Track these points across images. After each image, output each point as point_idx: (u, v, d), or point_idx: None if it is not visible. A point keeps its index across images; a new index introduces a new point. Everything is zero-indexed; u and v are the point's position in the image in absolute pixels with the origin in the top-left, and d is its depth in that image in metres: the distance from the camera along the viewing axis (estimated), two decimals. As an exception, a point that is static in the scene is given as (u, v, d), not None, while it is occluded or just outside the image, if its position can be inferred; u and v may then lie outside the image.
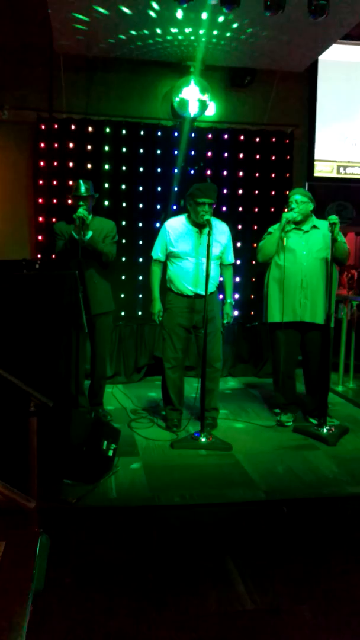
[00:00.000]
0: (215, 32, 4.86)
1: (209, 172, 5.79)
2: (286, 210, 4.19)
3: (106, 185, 5.58)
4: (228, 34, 4.88)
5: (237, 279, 5.71)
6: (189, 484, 3.23)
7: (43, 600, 2.05)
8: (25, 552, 1.82)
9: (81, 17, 4.61)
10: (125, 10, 4.48)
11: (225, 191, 5.80)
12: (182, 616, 2.07)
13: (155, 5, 4.41)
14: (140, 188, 5.69)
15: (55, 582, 2.18)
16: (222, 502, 3.05)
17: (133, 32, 4.92)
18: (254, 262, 5.87)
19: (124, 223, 5.58)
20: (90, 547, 2.54)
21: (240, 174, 5.89)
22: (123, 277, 5.67)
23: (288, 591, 2.23)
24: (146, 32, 4.91)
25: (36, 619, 1.94)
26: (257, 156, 5.91)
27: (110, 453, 3.32)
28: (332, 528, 2.82)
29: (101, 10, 4.48)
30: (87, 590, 2.20)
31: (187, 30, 4.85)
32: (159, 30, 4.88)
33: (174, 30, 4.85)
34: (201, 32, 4.83)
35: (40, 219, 5.54)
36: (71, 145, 5.53)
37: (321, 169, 6.34)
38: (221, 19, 4.58)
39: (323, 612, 2.11)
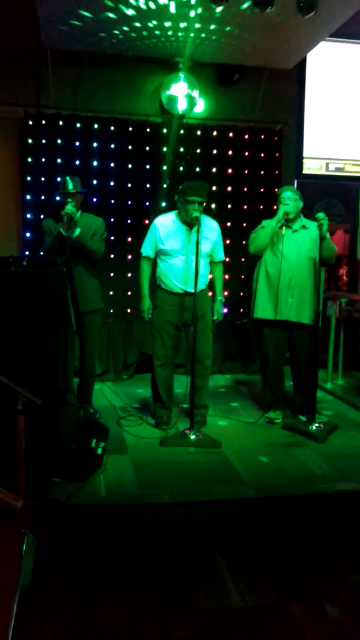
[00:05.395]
0: (198, 26, 4.80)
1: (197, 169, 5.78)
2: (276, 207, 4.21)
3: (95, 181, 5.55)
4: (213, 26, 4.81)
5: (227, 277, 5.70)
6: (178, 482, 3.23)
7: (31, 599, 2.04)
8: (11, 552, 1.81)
9: (69, 13, 4.57)
10: (110, 14, 4.47)
11: (214, 188, 5.77)
12: (170, 614, 2.06)
13: None
14: (129, 185, 5.66)
15: (43, 580, 2.17)
16: (211, 500, 3.04)
17: (119, 29, 4.89)
18: (243, 260, 5.88)
19: (112, 220, 5.54)
20: (79, 545, 2.52)
21: (229, 171, 5.88)
22: (112, 275, 5.64)
23: (277, 589, 2.23)
24: (125, 28, 4.86)
25: (24, 618, 1.92)
26: (246, 153, 5.90)
27: (99, 451, 3.31)
28: (321, 525, 2.83)
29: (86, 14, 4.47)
30: (76, 589, 2.18)
31: (175, 25, 4.81)
32: (149, 25, 4.83)
33: (163, 24, 4.81)
34: (183, 25, 4.76)
35: (28, 215, 5.49)
36: (59, 141, 5.48)
37: (310, 166, 6.35)
38: (209, 13, 4.55)
39: (312, 609, 2.11)
